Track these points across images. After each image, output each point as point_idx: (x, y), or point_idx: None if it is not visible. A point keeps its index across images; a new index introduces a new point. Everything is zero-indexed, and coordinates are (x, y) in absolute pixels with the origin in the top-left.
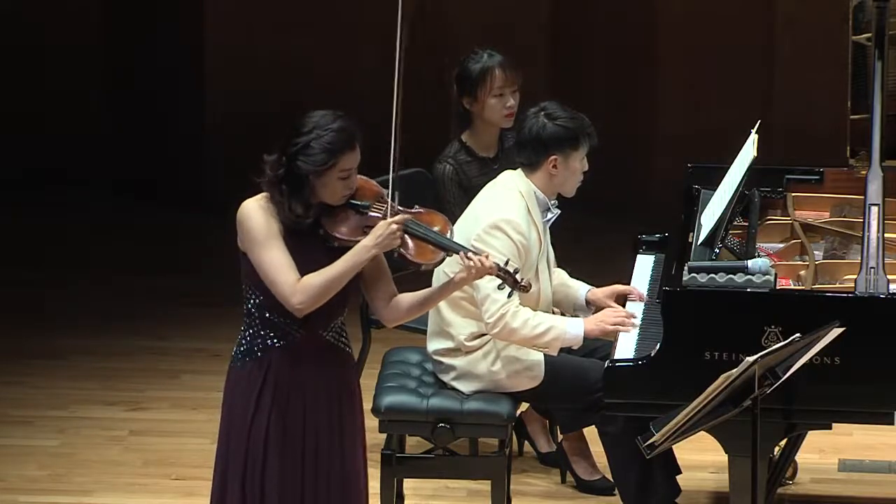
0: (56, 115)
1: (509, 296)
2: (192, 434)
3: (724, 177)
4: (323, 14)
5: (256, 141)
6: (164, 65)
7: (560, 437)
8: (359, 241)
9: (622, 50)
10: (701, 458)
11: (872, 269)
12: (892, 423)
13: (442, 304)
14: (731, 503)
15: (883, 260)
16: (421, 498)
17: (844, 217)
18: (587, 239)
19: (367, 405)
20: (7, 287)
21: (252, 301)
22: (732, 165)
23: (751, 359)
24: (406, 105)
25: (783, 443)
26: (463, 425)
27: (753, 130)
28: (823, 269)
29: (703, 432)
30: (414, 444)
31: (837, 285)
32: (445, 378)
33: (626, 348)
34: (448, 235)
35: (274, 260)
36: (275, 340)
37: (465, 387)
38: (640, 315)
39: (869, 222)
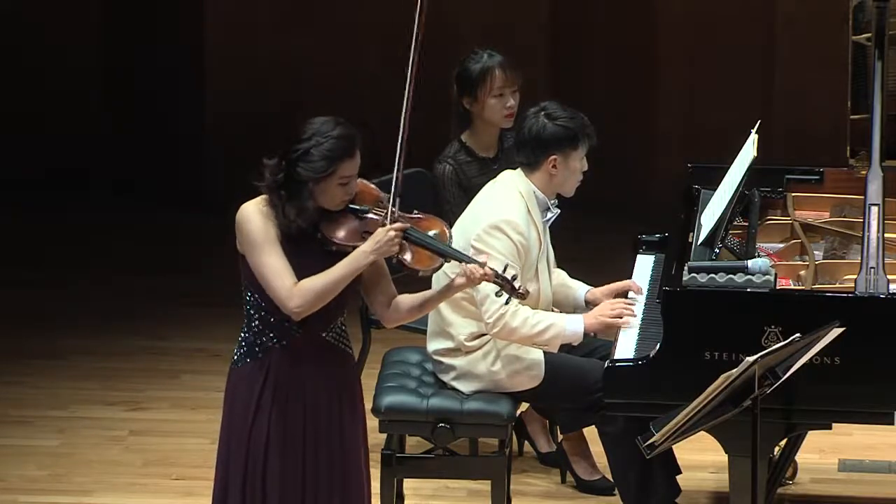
0: (56, 115)
1: (507, 302)
2: (192, 434)
3: (724, 177)
4: (323, 14)
5: (256, 141)
6: (164, 65)
7: (560, 437)
8: (357, 246)
9: (622, 50)
10: (701, 458)
11: (872, 269)
12: (892, 423)
13: (442, 304)
14: (731, 503)
15: (883, 260)
16: (421, 498)
17: (844, 217)
18: (587, 239)
19: (367, 405)
20: (7, 287)
21: (252, 302)
22: (732, 165)
23: (751, 359)
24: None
25: (783, 443)
26: (463, 425)
27: (753, 130)
28: (823, 269)
29: (703, 432)
30: (414, 444)
31: (837, 285)
32: (445, 378)
33: (626, 348)
34: (447, 241)
35: (271, 264)
36: (275, 341)
37: (465, 387)
38: (639, 305)
39: (869, 222)
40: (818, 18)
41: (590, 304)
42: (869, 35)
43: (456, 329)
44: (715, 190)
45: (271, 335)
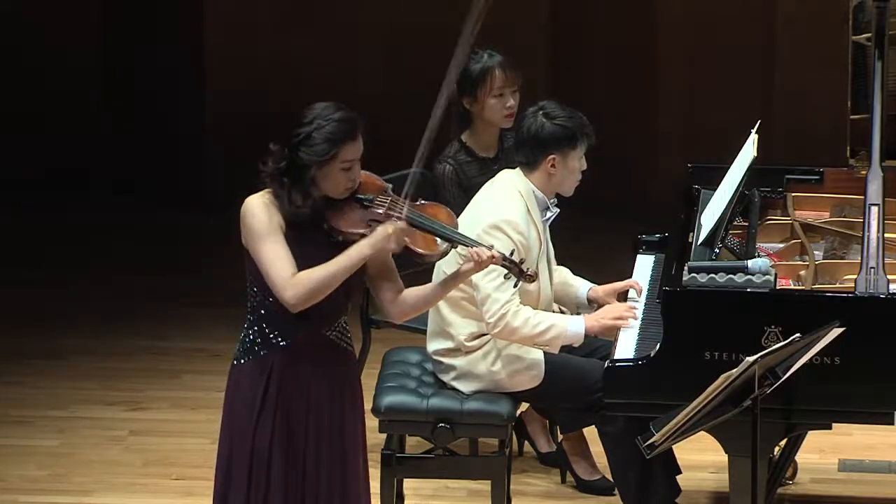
0: (56, 115)
1: (515, 285)
2: (192, 434)
3: (724, 177)
4: (323, 14)
5: (256, 141)
6: (164, 65)
7: (560, 437)
8: (363, 235)
9: (622, 50)
10: (701, 458)
11: (872, 269)
12: (892, 423)
13: (442, 304)
14: (731, 503)
15: (883, 260)
16: (421, 498)
17: (844, 217)
18: (587, 239)
19: (367, 405)
20: (7, 287)
21: (256, 299)
22: (732, 165)
23: (751, 359)
24: (406, 105)
25: (783, 443)
26: (463, 425)
27: (753, 130)
28: (823, 269)
29: (703, 432)
30: (414, 444)
31: (837, 285)
32: (445, 378)
33: (626, 348)
34: (453, 228)
35: (271, 253)
36: (278, 339)
37: (465, 387)
38: (640, 309)
39: (869, 222)
40: (818, 18)
41: (592, 302)
42: (869, 35)
43: (456, 329)
44: (715, 190)
45: (275, 333)
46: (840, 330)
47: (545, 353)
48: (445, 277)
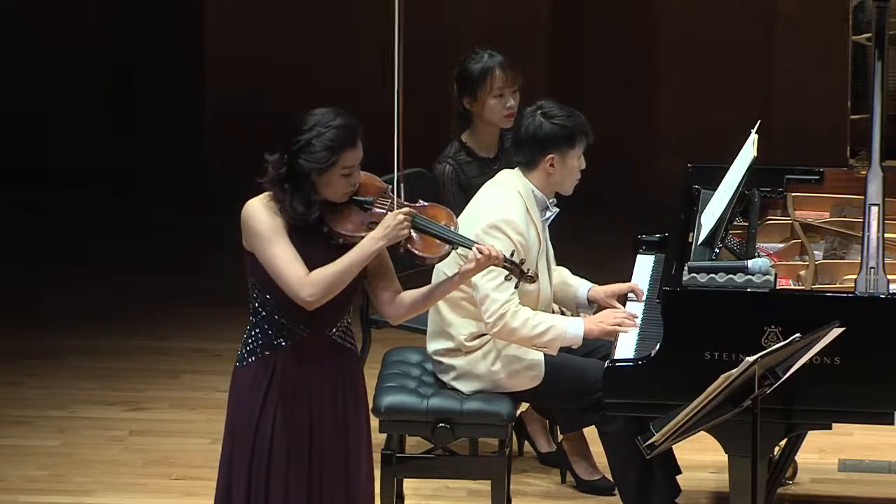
0: (56, 115)
1: (516, 286)
2: (192, 434)
3: (724, 177)
4: (323, 14)
5: (256, 141)
6: (164, 65)
7: (560, 437)
8: (363, 237)
9: (622, 50)
10: (701, 458)
11: (872, 269)
12: (892, 423)
13: (441, 305)
14: (731, 503)
15: (883, 260)
16: (421, 498)
17: (844, 217)
18: (587, 239)
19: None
20: (7, 287)
21: (258, 301)
22: (732, 165)
23: (751, 359)
24: (406, 105)
25: (783, 443)
26: (463, 425)
27: (753, 130)
28: (823, 269)
29: (703, 432)
30: (414, 444)
31: (837, 285)
32: (445, 378)
33: (626, 348)
34: (453, 229)
35: (281, 255)
36: (281, 340)
37: (465, 387)
38: (640, 315)
39: (869, 222)
40: (818, 18)
41: (592, 303)
42: (869, 35)
43: (456, 329)
44: (715, 190)
45: (278, 334)
46: (840, 330)
47: (545, 354)
48: (444, 279)
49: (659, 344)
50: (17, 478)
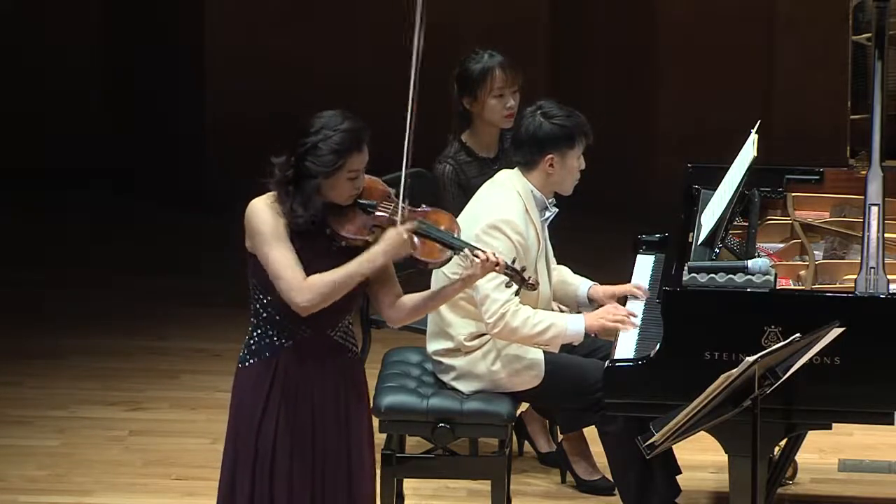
0: (56, 115)
1: (517, 293)
2: (192, 434)
3: (724, 177)
4: (323, 14)
5: (256, 141)
6: (164, 65)
7: (560, 437)
8: (366, 240)
9: (622, 50)
10: (701, 458)
11: (872, 269)
12: (892, 423)
13: (435, 310)
14: (731, 503)
15: (883, 260)
16: (421, 498)
17: (844, 217)
18: (587, 239)
19: None
20: (7, 287)
21: (260, 301)
22: (732, 165)
23: (751, 359)
24: (406, 104)
25: (783, 443)
26: (463, 425)
27: (753, 130)
28: (823, 269)
29: (703, 432)
30: (414, 444)
31: (837, 285)
32: (445, 378)
33: (626, 348)
34: (455, 234)
35: (280, 258)
36: (283, 341)
37: (465, 387)
38: (640, 315)
39: (869, 222)
40: (818, 18)
41: (593, 301)
42: (869, 35)
43: (455, 329)
44: (715, 190)
45: (280, 335)
46: (840, 330)
47: (545, 353)
48: (446, 284)
49: (659, 344)
50: (17, 478)
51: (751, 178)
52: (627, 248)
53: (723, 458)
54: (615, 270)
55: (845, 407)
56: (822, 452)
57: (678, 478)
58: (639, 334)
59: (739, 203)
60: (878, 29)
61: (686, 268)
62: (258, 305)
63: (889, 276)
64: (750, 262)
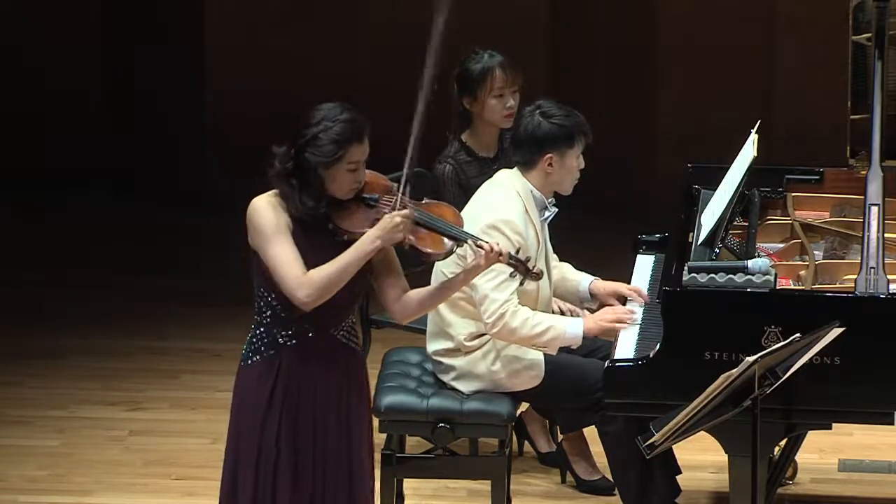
0: (56, 115)
1: (521, 283)
2: (192, 434)
3: (724, 177)
4: (323, 14)
5: (256, 141)
6: (164, 65)
7: (560, 437)
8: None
9: (622, 50)
10: (701, 458)
11: (872, 269)
12: (892, 423)
13: (441, 305)
14: (731, 503)
15: (883, 260)
16: (421, 498)
17: (844, 217)
18: (587, 239)
19: None
20: (7, 287)
21: (264, 299)
22: (732, 165)
23: (751, 359)
24: (407, 105)
25: (783, 443)
26: (463, 425)
27: (753, 130)
28: (823, 269)
29: (703, 432)
30: (414, 444)
31: (837, 285)
32: (445, 378)
33: (626, 348)
34: (459, 227)
35: (281, 254)
36: (286, 340)
37: (465, 387)
38: (639, 315)
39: (869, 222)
40: (818, 18)
41: (594, 296)
42: (869, 35)
43: (455, 329)
44: (715, 190)
45: (282, 333)
46: (840, 330)
47: (545, 353)
48: (451, 277)
49: (659, 344)
50: (17, 478)
51: (751, 178)
52: (627, 248)
53: (723, 458)
54: (615, 270)
55: (845, 407)
56: (822, 452)
57: (678, 478)
58: (639, 334)
59: (739, 203)
60: (878, 29)
61: (686, 268)
62: (261, 303)
63: (889, 276)
64: (750, 262)
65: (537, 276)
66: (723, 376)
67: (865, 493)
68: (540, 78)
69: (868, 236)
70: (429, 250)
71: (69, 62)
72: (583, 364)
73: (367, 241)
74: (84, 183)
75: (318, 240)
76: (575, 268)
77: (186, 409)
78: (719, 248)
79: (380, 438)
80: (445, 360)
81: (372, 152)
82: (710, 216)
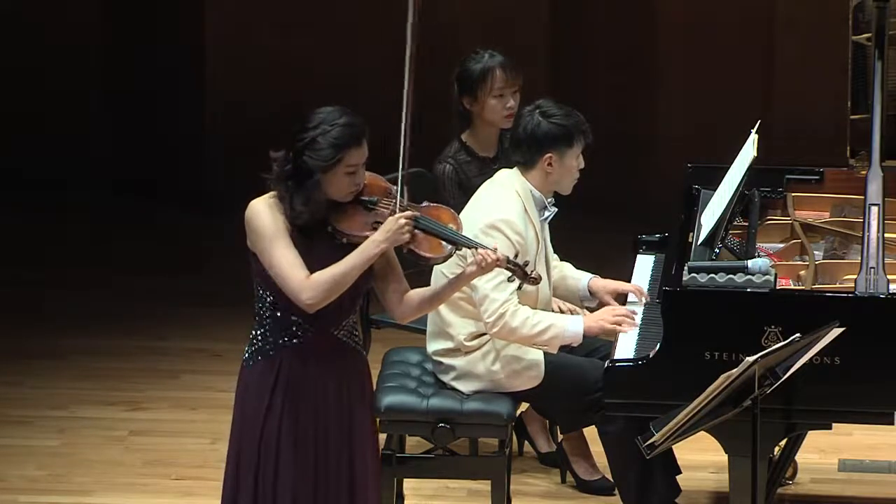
0: (56, 115)
1: (519, 287)
2: (192, 434)
3: (724, 177)
4: (323, 14)
5: (256, 141)
6: (164, 65)
7: (560, 437)
8: (367, 237)
9: (622, 50)
10: (701, 458)
11: (872, 269)
12: (892, 423)
13: (441, 305)
14: (731, 503)
15: (883, 260)
16: (421, 498)
17: (844, 217)
18: (587, 239)
19: None
20: (7, 287)
21: (263, 301)
22: (732, 165)
23: (751, 359)
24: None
25: (783, 443)
26: (463, 425)
27: (753, 130)
28: (823, 269)
29: (703, 432)
30: (414, 444)
31: (837, 285)
32: (445, 378)
33: (626, 348)
34: (457, 230)
35: (283, 256)
36: (286, 340)
37: (464, 387)
38: (640, 315)
39: (869, 222)
40: (818, 19)
41: (593, 293)
42: (869, 35)
43: (455, 329)
44: (715, 190)
45: (283, 334)
46: (840, 330)
47: (545, 353)
48: (450, 279)
49: (659, 344)
50: (17, 478)
51: (751, 178)
52: (627, 248)
53: (723, 458)
54: (615, 270)
55: (845, 407)
56: (822, 452)
57: (678, 478)
58: (639, 334)
59: (739, 203)
60: (878, 29)
61: (686, 268)
62: (262, 304)
63: (889, 276)
64: (750, 262)
65: (535, 281)
66: (723, 376)
67: (865, 493)
68: (540, 78)
69: (868, 236)
70: (427, 254)
71: (69, 62)
72: (583, 364)
73: (372, 245)
74: (84, 183)
75: (317, 242)
76: (575, 268)
77: (186, 409)
78: (719, 248)
79: (380, 438)
80: (445, 360)
81: (372, 153)
82: (710, 216)
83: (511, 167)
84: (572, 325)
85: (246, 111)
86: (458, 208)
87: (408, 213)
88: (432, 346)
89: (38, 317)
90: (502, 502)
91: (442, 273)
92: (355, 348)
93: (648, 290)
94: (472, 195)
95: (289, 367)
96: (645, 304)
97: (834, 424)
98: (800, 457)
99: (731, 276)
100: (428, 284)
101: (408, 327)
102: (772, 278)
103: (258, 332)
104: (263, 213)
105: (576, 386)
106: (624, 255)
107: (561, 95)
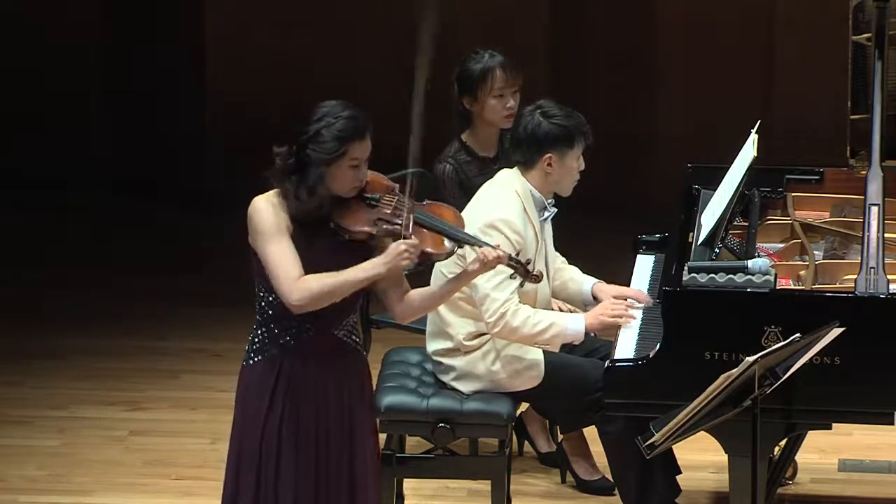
0: (56, 115)
1: (521, 285)
2: (192, 434)
3: (724, 177)
4: (323, 14)
5: (256, 141)
6: (164, 65)
7: (560, 437)
8: (370, 234)
9: (622, 50)
10: (701, 458)
11: (872, 269)
12: (892, 423)
13: (441, 305)
14: (731, 503)
15: (883, 260)
16: (421, 498)
17: (844, 217)
18: (587, 239)
19: None
20: (7, 287)
21: (265, 299)
22: (732, 165)
23: (751, 359)
24: (408, 105)
25: (783, 443)
26: (463, 425)
27: (753, 130)
28: (823, 269)
29: (703, 432)
30: (414, 444)
31: (837, 285)
32: (445, 378)
33: (626, 348)
34: (459, 227)
35: (277, 254)
36: (287, 339)
37: (464, 387)
38: (639, 315)
39: (869, 222)
40: (818, 19)
41: (596, 299)
42: (869, 35)
43: (455, 329)
44: (715, 190)
45: (284, 333)
46: (840, 330)
47: (545, 353)
48: (451, 277)
49: (659, 344)
50: (17, 478)
51: (751, 178)
52: (627, 248)
53: (723, 458)
54: (615, 270)
55: (845, 407)
56: (822, 452)
57: (678, 478)
58: (639, 334)
59: (739, 203)
60: (878, 29)
61: (686, 268)
62: (262, 303)
63: (889, 276)
64: (750, 262)
65: (537, 279)
66: (723, 376)
67: (865, 493)
68: (540, 78)
69: (868, 236)
70: (430, 251)
71: (69, 62)
72: (583, 364)
73: (371, 267)
74: (84, 183)
75: (319, 239)
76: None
77: (186, 409)
78: (719, 248)
79: (380, 438)
80: (445, 360)
81: (372, 153)
82: (710, 216)
83: (511, 167)
84: (573, 324)
85: (246, 111)
86: (459, 208)
87: (411, 241)
88: (432, 346)
89: (38, 317)
90: (502, 502)
91: (442, 272)
92: (355, 348)
93: (648, 290)
94: (472, 195)
95: (289, 367)
96: (645, 305)
97: (834, 424)
98: (800, 457)
99: (731, 276)
100: (428, 284)
101: (408, 327)
102: (772, 278)
103: (259, 332)
104: (265, 210)
105: (576, 386)
106: (624, 255)
107: (561, 95)
